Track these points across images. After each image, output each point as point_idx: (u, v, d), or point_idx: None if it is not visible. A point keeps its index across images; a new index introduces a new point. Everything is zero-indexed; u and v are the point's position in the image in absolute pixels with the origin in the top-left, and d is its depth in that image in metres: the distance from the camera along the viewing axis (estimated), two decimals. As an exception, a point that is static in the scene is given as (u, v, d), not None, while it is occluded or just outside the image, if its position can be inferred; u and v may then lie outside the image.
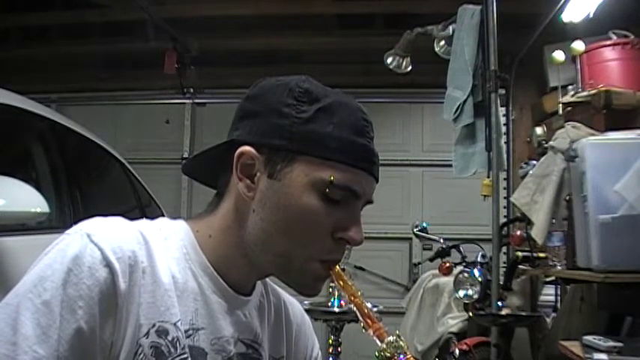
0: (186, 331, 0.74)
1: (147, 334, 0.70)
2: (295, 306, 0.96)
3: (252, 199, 0.77)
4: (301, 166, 0.75)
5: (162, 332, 0.71)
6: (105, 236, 0.71)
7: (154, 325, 0.71)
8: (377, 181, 0.80)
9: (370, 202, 0.81)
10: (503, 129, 3.74)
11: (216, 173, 0.83)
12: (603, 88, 2.60)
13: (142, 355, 0.69)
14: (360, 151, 0.76)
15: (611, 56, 2.92)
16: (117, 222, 0.75)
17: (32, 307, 0.66)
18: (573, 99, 2.80)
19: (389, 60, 3.48)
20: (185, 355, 0.73)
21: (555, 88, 3.45)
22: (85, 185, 2.35)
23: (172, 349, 0.72)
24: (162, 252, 0.76)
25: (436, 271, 3.45)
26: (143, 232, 0.75)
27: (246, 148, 0.76)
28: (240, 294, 0.82)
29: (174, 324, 0.73)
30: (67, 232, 0.72)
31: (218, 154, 0.80)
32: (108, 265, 0.69)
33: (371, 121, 0.80)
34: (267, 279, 0.92)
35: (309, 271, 0.77)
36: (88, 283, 0.67)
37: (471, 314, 2.80)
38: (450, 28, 2.99)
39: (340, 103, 0.78)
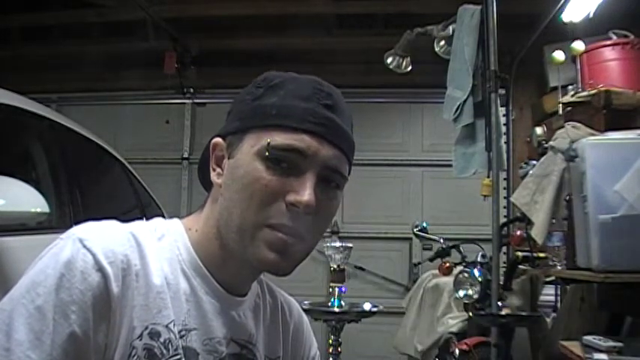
0: (179, 332, 0.74)
1: (140, 336, 0.71)
2: (293, 306, 0.96)
3: (220, 185, 0.79)
4: (248, 140, 0.76)
5: (154, 334, 0.72)
6: (97, 241, 0.71)
7: (146, 328, 0.71)
8: (336, 146, 0.76)
9: (332, 169, 0.76)
10: (503, 129, 3.74)
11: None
12: (603, 88, 2.60)
13: (135, 357, 0.70)
14: (302, 112, 0.75)
15: (611, 56, 2.92)
16: (109, 226, 0.75)
17: (25, 313, 0.66)
18: (573, 99, 2.80)
19: (389, 60, 3.48)
20: (178, 357, 0.73)
21: (555, 88, 3.45)
22: (85, 185, 2.35)
23: (165, 351, 0.72)
24: (155, 253, 0.76)
25: (436, 271, 3.45)
26: (135, 235, 0.75)
27: (216, 139, 0.81)
28: (234, 295, 0.82)
29: (166, 326, 0.73)
30: (61, 237, 0.73)
31: (208, 157, 0.83)
32: (100, 269, 0.69)
33: (329, 92, 0.78)
34: (264, 279, 0.92)
35: (259, 238, 0.74)
36: (80, 288, 0.67)
37: (470, 314, 2.79)
38: (450, 28, 2.99)
39: (292, 78, 0.79)
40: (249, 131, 0.76)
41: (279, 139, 0.74)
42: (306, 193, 0.73)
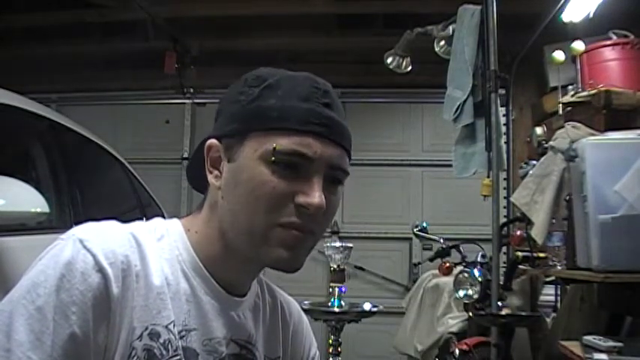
0: (179, 332, 0.74)
1: (140, 336, 0.71)
2: (292, 305, 0.96)
3: (219, 188, 0.78)
4: (250, 143, 0.75)
5: (154, 335, 0.72)
6: (97, 241, 0.71)
7: (146, 328, 0.72)
8: (339, 144, 0.77)
9: (336, 167, 0.77)
10: (503, 129, 3.75)
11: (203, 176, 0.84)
12: (603, 88, 2.60)
13: (135, 358, 0.70)
14: (303, 114, 0.75)
15: (611, 56, 2.92)
16: (109, 226, 0.75)
17: (26, 313, 0.66)
18: (573, 99, 2.80)
19: (389, 60, 3.48)
20: (178, 357, 0.73)
21: (555, 88, 3.46)
22: (85, 185, 2.35)
23: (164, 352, 0.72)
24: (155, 254, 0.76)
25: (436, 271, 3.45)
26: (136, 235, 0.75)
27: (211, 141, 0.79)
28: (234, 295, 0.82)
29: (166, 326, 0.73)
30: (61, 237, 0.73)
31: (200, 158, 0.82)
32: (100, 270, 0.69)
33: (326, 89, 0.78)
34: (264, 278, 0.92)
35: (272, 237, 0.75)
36: (80, 289, 0.68)
37: (470, 314, 2.79)
38: (450, 28, 2.99)
39: (287, 77, 0.79)
40: (249, 134, 0.76)
41: (285, 143, 0.73)
42: (316, 195, 0.74)
